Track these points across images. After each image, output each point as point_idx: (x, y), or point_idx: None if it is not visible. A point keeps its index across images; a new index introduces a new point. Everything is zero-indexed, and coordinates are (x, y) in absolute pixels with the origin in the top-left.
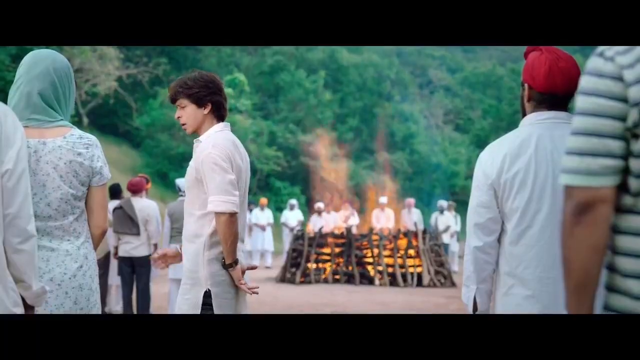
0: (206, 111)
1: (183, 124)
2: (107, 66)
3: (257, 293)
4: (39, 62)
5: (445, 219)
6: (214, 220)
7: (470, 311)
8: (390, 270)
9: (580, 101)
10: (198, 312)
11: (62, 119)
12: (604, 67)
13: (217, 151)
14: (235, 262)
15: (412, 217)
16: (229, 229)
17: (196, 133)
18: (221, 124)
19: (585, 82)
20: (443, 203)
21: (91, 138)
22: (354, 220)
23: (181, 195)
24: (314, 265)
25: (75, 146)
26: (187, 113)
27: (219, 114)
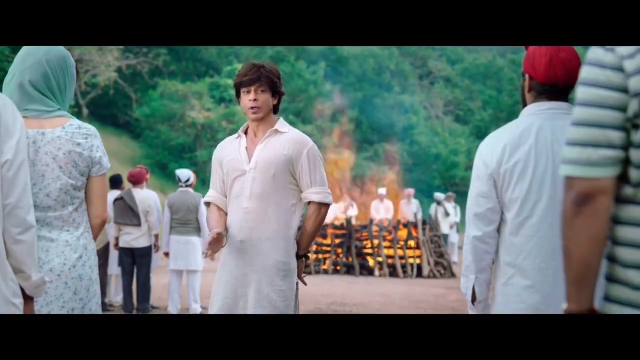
0: (275, 102)
1: (257, 107)
2: (106, 57)
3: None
4: (32, 53)
5: (444, 211)
6: (300, 210)
7: (468, 301)
8: (390, 261)
9: (580, 92)
10: (293, 302)
11: (59, 109)
12: (604, 57)
13: (315, 145)
14: None
15: (411, 208)
16: (324, 220)
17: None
18: (282, 119)
19: (585, 72)
20: (440, 195)
21: (90, 128)
22: (353, 211)
23: (181, 186)
24: (314, 256)
25: (74, 136)
26: (264, 98)
27: (277, 107)
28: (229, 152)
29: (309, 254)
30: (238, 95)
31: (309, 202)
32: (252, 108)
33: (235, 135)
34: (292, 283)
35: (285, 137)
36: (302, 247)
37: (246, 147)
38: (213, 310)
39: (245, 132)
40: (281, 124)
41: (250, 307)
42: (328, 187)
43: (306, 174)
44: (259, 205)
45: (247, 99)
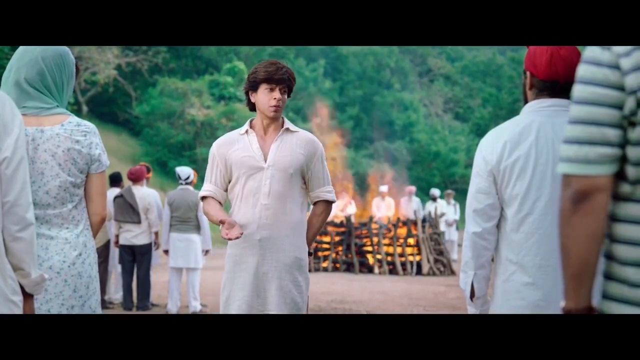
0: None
1: (278, 107)
2: (106, 55)
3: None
4: (29, 51)
5: (440, 207)
6: (306, 208)
7: (467, 297)
8: (389, 258)
9: (577, 90)
10: (307, 297)
11: (57, 106)
12: (601, 55)
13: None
14: None
15: (412, 206)
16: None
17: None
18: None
19: (582, 71)
20: (435, 191)
21: (89, 125)
22: (352, 209)
23: (181, 184)
24: (314, 254)
25: (73, 134)
26: (285, 99)
27: None
28: (238, 148)
29: (314, 251)
30: (254, 89)
31: (317, 201)
32: (274, 107)
33: (241, 131)
34: (307, 279)
35: (298, 136)
36: (308, 243)
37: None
38: (231, 310)
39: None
40: (288, 123)
41: (273, 304)
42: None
43: (319, 173)
44: (278, 202)
45: (272, 96)
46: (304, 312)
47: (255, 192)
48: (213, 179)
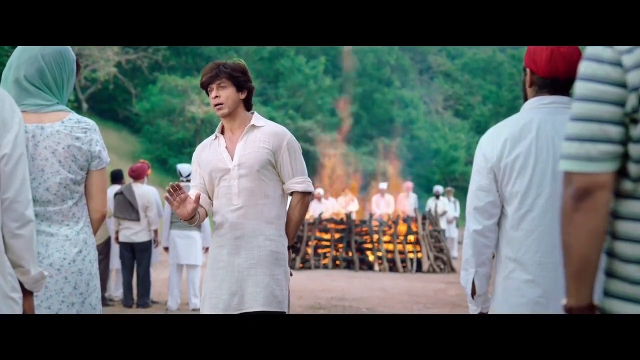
0: (243, 96)
1: (220, 104)
2: (106, 52)
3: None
4: (29, 48)
5: (442, 205)
6: (286, 200)
7: (468, 294)
8: (389, 256)
9: (579, 87)
10: (288, 291)
11: (57, 103)
12: (602, 52)
13: (292, 136)
14: None
15: (410, 202)
16: (307, 209)
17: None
18: (256, 113)
19: (584, 67)
20: (439, 188)
21: (89, 122)
22: (353, 206)
23: (182, 181)
24: (314, 251)
25: (73, 130)
26: (227, 94)
27: (249, 102)
28: (208, 153)
29: (309, 249)
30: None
31: (292, 193)
32: (215, 105)
33: (213, 136)
34: (286, 272)
35: (263, 130)
36: (290, 237)
37: (226, 147)
38: (205, 308)
39: (223, 133)
40: (257, 118)
41: (249, 300)
42: (326, 181)
43: (287, 164)
44: (248, 200)
45: (211, 97)
46: (285, 306)
47: (227, 193)
48: (194, 183)
